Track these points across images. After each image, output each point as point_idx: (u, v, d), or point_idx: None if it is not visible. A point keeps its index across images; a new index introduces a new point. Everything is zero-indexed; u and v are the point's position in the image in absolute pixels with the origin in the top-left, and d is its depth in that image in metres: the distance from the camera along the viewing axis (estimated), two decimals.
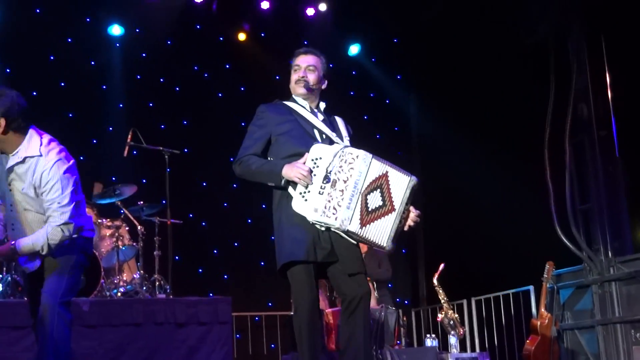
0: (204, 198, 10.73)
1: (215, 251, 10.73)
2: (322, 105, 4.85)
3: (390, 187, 4.45)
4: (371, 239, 4.43)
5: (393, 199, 4.44)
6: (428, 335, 8.20)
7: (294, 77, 4.81)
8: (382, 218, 4.42)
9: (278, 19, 11.32)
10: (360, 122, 11.53)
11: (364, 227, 4.38)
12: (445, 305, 7.96)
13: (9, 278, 7.30)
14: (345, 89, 11.38)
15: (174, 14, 10.92)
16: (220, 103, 11.19)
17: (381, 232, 4.42)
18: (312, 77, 4.77)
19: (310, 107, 4.79)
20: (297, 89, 4.78)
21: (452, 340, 7.90)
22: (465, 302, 9.80)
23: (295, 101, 4.81)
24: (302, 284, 4.45)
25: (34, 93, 10.25)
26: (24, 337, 6.34)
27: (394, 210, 4.44)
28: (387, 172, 4.45)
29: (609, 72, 8.09)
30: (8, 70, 10.25)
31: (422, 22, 11.46)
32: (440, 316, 8.02)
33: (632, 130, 8.10)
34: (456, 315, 8.02)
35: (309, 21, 11.44)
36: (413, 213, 4.55)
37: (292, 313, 8.34)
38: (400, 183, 4.47)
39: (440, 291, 7.98)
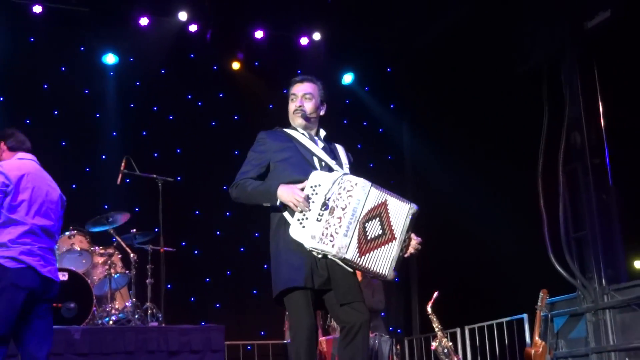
0: (197, 226, 10.70)
1: (207, 280, 10.69)
2: (322, 132, 4.84)
3: (389, 215, 4.41)
4: (371, 268, 4.37)
5: (393, 228, 4.40)
6: None
7: (292, 106, 4.78)
8: (383, 247, 4.37)
9: (272, 48, 11.37)
10: (354, 150, 11.28)
11: (363, 256, 4.33)
12: (439, 333, 7.92)
13: None
14: (339, 118, 11.41)
15: (168, 43, 10.97)
16: (213, 131, 11.20)
17: (382, 261, 4.37)
18: (309, 106, 4.75)
19: (310, 135, 4.76)
20: (295, 119, 4.76)
21: None
22: (458, 330, 9.75)
23: (295, 129, 4.78)
24: (300, 311, 4.37)
25: (27, 121, 10.25)
26: None
27: (395, 239, 4.40)
28: (386, 200, 4.42)
29: (601, 101, 8.14)
30: (1, 99, 10.26)
31: (415, 50, 11.53)
32: (434, 344, 7.96)
33: (625, 158, 8.13)
34: (450, 344, 7.96)
35: (303, 50, 11.49)
36: (414, 241, 4.51)
37: (285, 341, 8.33)
38: (400, 211, 4.44)
39: (434, 319, 7.93)
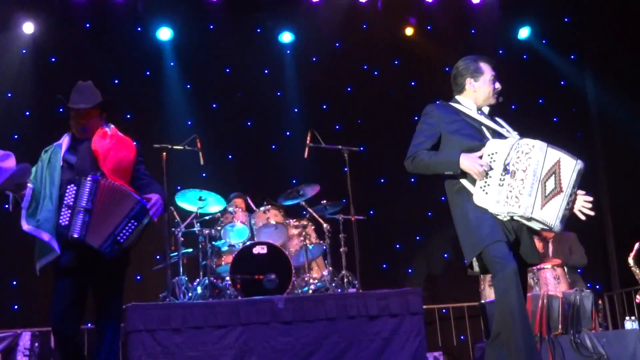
0: (384, 194, 10.79)
1: (398, 246, 10.77)
2: (486, 109, 4.88)
3: (561, 171, 4.50)
4: (541, 219, 4.47)
5: (562, 181, 4.49)
6: (627, 318, 7.89)
7: (493, 87, 4.83)
8: (553, 199, 4.47)
9: (444, 10, 11.27)
10: (536, 106, 11.28)
11: (541, 210, 4.45)
12: None
13: (207, 281, 7.67)
14: (517, 74, 11.13)
15: (341, 16, 11.11)
16: (392, 99, 11.23)
17: (551, 211, 4.47)
18: None
19: (476, 107, 4.83)
20: (491, 100, 4.84)
21: None
22: None
23: (458, 102, 4.87)
24: (507, 259, 4.43)
25: (214, 105, 10.70)
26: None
27: (562, 191, 4.48)
28: (559, 158, 4.51)
29: None
30: (188, 86, 10.72)
31: None
32: (639, 297, 7.71)
33: None
34: None
35: (475, 9, 11.30)
36: (582, 197, 4.60)
37: (482, 301, 8.29)
38: (569, 166, 4.51)
39: (638, 271, 7.67)
